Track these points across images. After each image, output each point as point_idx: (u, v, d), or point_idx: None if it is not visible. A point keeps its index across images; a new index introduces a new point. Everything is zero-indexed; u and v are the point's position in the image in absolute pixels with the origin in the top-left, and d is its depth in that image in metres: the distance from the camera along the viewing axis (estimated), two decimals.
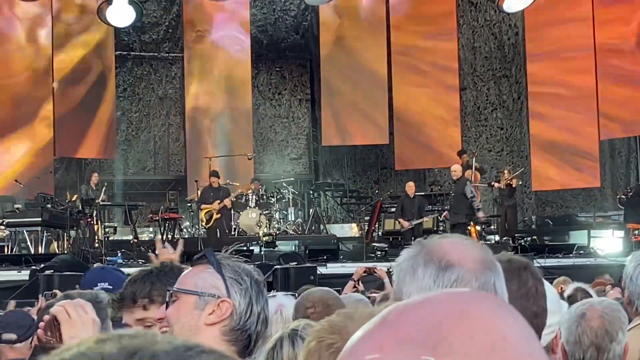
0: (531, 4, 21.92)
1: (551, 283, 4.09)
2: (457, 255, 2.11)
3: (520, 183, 22.50)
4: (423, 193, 22.70)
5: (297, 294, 8.51)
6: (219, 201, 20.25)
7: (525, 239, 20.99)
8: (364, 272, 10.25)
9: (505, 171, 21.91)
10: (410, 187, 20.97)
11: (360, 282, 9.76)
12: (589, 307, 3.89)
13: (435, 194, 22.90)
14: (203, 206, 20.30)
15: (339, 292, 7.40)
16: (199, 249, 19.75)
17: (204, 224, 20.18)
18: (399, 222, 20.58)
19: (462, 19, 25.60)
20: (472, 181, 20.91)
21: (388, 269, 16.25)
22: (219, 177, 20.67)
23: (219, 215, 20.30)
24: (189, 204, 22.64)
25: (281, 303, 4.54)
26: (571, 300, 6.20)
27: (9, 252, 18.57)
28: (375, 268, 10.68)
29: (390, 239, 21.55)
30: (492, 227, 22.44)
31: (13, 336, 5.90)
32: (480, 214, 19.86)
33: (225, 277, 2.77)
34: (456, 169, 20.26)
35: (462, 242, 2.19)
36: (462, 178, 20.01)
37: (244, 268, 2.84)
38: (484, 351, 0.88)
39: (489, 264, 2.14)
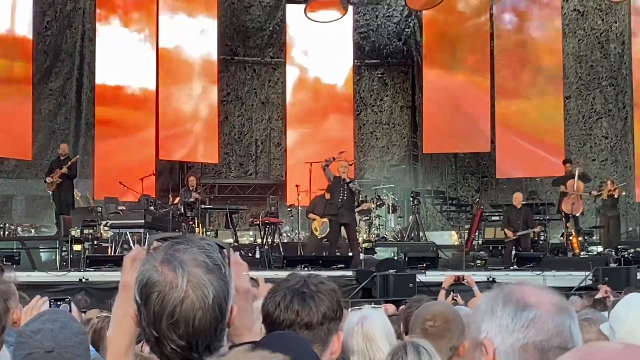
0: None
1: None
2: (535, 297, 2.21)
3: (624, 194, 22.10)
4: (524, 202, 22.43)
5: (398, 309, 8.50)
6: None
7: (628, 250, 20.56)
8: (454, 280, 10.18)
9: (609, 182, 21.55)
10: (517, 199, 20.67)
11: (459, 295, 9.68)
12: None
13: (537, 203, 22.58)
14: (312, 215, 19.77)
15: (436, 300, 7.37)
16: (298, 254, 19.89)
17: (317, 233, 19.67)
18: (504, 232, 20.33)
19: (567, 27, 25.28)
20: (575, 190, 20.62)
21: (488, 278, 16.22)
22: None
23: None
24: (289, 209, 22.72)
25: (364, 315, 4.23)
26: None
27: (113, 253, 18.89)
28: (464, 276, 10.59)
29: (491, 248, 21.35)
30: (595, 237, 22.09)
31: None
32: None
33: None
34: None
35: (539, 287, 2.29)
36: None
37: None
38: None
39: (565, 308, 2.22)
